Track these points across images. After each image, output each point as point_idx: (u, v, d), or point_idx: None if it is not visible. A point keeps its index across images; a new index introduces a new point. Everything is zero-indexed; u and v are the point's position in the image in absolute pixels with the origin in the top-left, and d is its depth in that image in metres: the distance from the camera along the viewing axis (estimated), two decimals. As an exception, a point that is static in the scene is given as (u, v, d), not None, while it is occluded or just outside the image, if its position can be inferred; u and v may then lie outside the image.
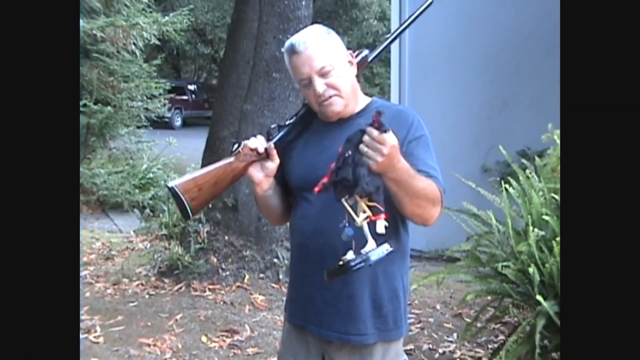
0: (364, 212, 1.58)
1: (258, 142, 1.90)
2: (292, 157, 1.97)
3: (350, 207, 1.59)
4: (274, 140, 1.93)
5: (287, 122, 1.99)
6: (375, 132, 1.54)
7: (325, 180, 1.63)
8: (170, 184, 1.90)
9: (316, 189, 1.65)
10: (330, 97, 1.86)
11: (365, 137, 1.55)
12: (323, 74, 1.84)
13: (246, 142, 1.90)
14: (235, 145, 1.91)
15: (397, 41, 6.51)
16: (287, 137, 1.96)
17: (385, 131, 1.53)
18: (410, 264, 2.05)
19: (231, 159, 1.92)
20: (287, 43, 1.88)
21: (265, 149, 1.90)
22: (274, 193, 1.99)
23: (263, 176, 1.92)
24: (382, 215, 1.59)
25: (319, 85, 1.84)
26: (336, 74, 1.85)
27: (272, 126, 1.98)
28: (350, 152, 1.57)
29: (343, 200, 1.60)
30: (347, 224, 1.62)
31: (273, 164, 1.91)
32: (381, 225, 1.59)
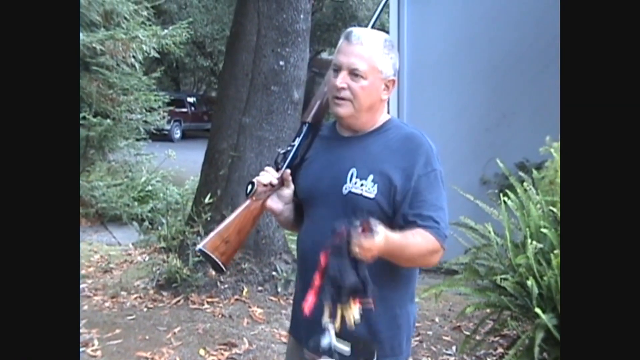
0: (351, 309, 1.58)
1: (270, 176, 1.91)
2: (301, 170, 1.98)
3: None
4: (285, 166, 1.94)
5: (291, 145, 1.98)
6: (364, 242, 1.53)
7: (322, 267, 1.59)
8: (199, 246, 1.93)
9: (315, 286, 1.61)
10: (343, 98, 1.83)
11: (355, 243, 1.54)
12: (353, 74, 1.81)
13: (258, 179, 1.91)
14: (250, 187, 1.92)
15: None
16: (295, 160, 1.96)
17: (372, 234, 1.54)
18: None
19: (247, 202, 1.93)
20: (350, 29, 1.87)
21: (281, 177, 1.91)
22: (294, 212, 2.00)
23: (283, 205, 1.93)
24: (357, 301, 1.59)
25: (341, 79, 1.82)
26: (363, 84, 1.82)
27: (282, 151, 1.98)
28: (345, 258, 1.55)
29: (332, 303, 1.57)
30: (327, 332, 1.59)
31: (289, 190, 1.92)
32: (357, 312, 1.59)
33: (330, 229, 1.70)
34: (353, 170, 1.83)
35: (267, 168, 1.94)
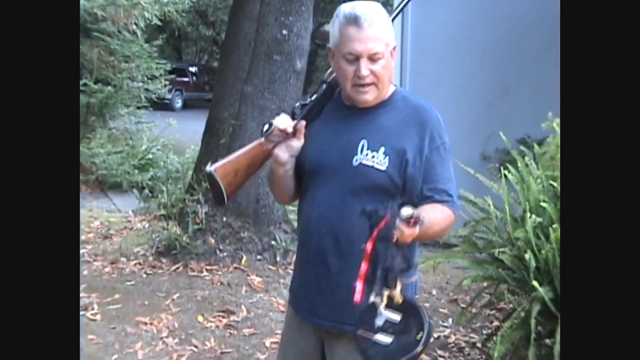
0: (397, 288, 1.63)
1: (287, 122, 1.86)
2: (307, 138, 1.91)
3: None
4: (301, 117, 1.89)
5: (310, 100, 1.93)
6: (408, 232, 1.57)
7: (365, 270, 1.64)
8: (209, 168, 1.89)
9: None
10: (368, 84, 1.79)
11: (399, 231, 1.57)
12: (373, 59, 1.77)
13: (276, 122, 1.85)
14: (267, 126, 1.86)
15: (398, 29, 6.51)
16: (311, 114, 1.91)
17: (418, 224, 1.59)
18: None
19: (261, 139, 1.89)
20: (349, 10, 1.77)
21: (295, 127, 1.86)
22: (291, 172, 1.95)
23: (288, 156, 1.88)
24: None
25: (364, 68, 1.76)
26: (382, 63, 1.78)
27: (297, 104, 1.93)
28: (391, 243, 1.60)
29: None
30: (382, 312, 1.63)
31: (299, 143, 1.87)
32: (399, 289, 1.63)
33: (338, 202, 1.75)
34: (364, 142, 1.81)
35: (282, 115, 1.89)
